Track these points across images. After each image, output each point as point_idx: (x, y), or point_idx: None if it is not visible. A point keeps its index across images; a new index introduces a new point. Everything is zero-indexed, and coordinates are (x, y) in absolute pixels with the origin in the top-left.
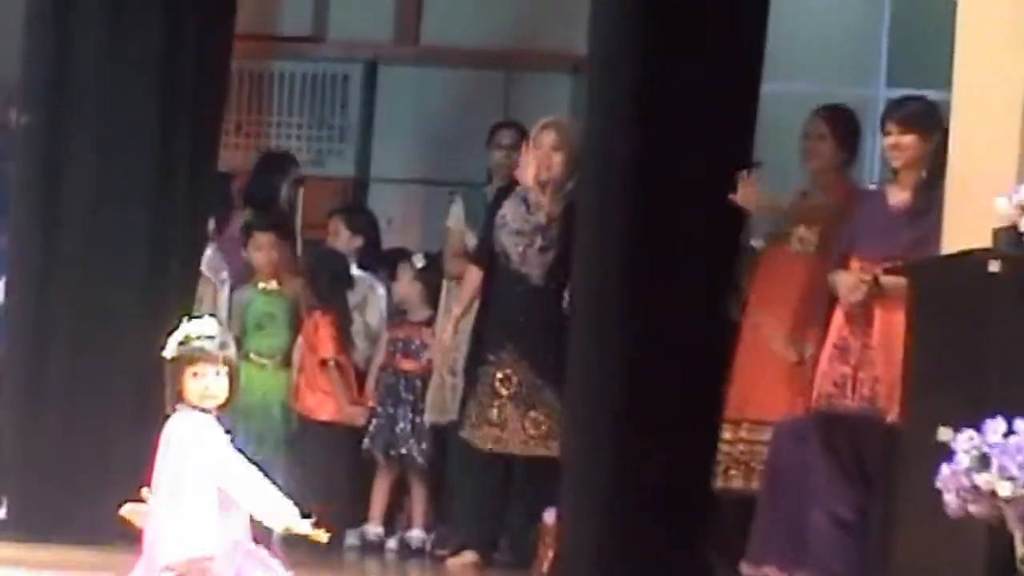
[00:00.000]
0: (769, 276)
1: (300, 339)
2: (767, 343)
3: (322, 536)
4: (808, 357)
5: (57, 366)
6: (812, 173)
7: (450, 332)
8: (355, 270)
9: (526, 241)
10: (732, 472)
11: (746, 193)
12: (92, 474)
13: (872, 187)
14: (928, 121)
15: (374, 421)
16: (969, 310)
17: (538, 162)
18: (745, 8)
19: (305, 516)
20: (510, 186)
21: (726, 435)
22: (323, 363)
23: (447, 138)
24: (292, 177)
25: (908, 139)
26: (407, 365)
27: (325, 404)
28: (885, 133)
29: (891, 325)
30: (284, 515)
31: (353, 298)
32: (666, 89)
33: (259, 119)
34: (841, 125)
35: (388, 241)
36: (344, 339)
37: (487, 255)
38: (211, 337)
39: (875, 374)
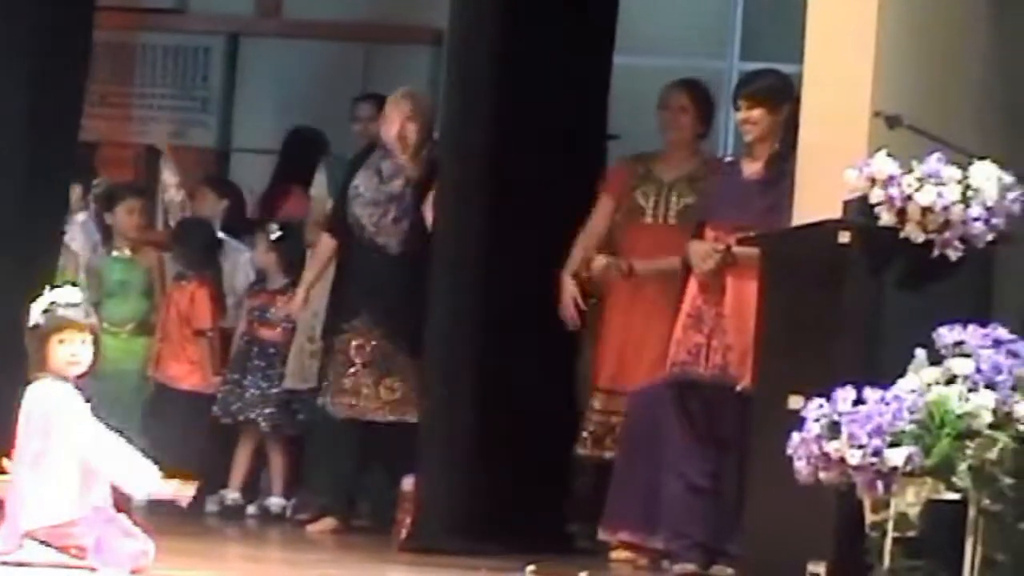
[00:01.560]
0: (630, 250)
1: (164, 307)
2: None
3: (188, 490)
4: None
5: None
6: (669, 144)
7: (300, 298)
8: (222, 235)
9: (380, 211)
10: (607, 441)
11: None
12: None
13: (729, 159)
14: (776, 95)
15: (223, 388)
16: (819, 280)
17: (394, 131)
18: None
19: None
20: (364, 155)
21: (597, 405)
22: (198, 333)
23: (308, 110)
24: (328, 154)
25: (757, 113)
26: (264, 332)
27: (191, 374)
28: (736, 108)
29: (744, 294)
30: (147, 480)
31: (226, 264)
32: (523, 62)
33: (123, 90)
34: (702, 98)
35: (249, 212)
36: (219, 309)
37: (341, 224)
38: (76, 305)
39: (727, 342)
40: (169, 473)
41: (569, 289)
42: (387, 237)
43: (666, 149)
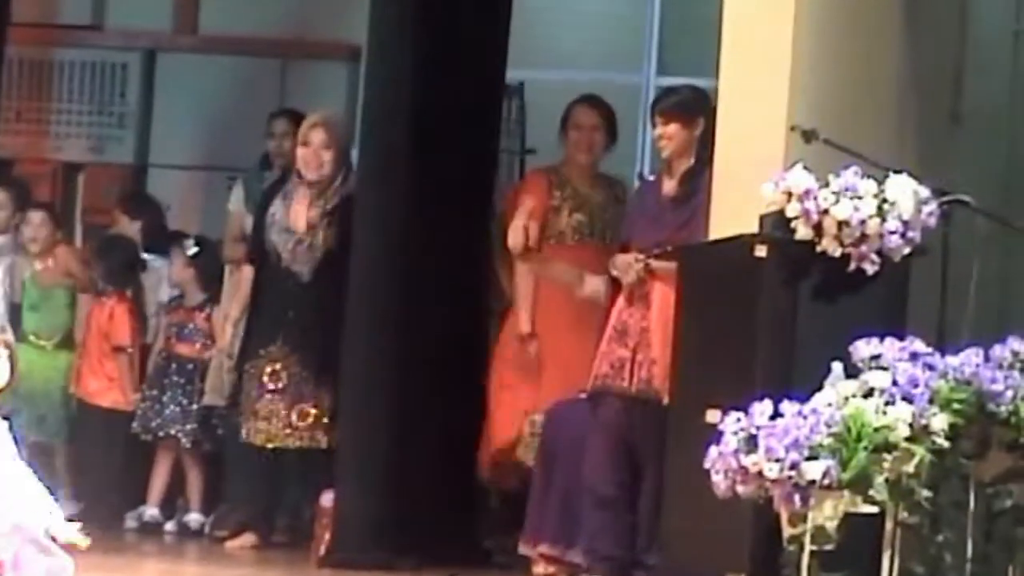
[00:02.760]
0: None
1: (85, 322)
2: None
3: (82, 541)
4: None
5: None
6: (583, 164)
7: (228, 334)
8: (145, 254)
9: (294, 238)
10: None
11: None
12: None
13: (650, 177)
14: (691, 109)
15: (141, 404)
16: (736, 294)
17: (308, 160)
18: None
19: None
20: (280, 181)
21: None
22: (117, 350)
23: (225, 125)
24: (245, 170)
25: (672, 128)
26: (182, 349)
27: (109, 391)
28: (653, 124)
29: (669, 308)
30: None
31: (150, 281)
32: (434, 79)
33: (39, 106)
34: (610, 115)
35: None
36: (139, 326)
37: (259, 252)
38: None
39: (652, 356)
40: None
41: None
42: (300, 265)
43: (577, 166)
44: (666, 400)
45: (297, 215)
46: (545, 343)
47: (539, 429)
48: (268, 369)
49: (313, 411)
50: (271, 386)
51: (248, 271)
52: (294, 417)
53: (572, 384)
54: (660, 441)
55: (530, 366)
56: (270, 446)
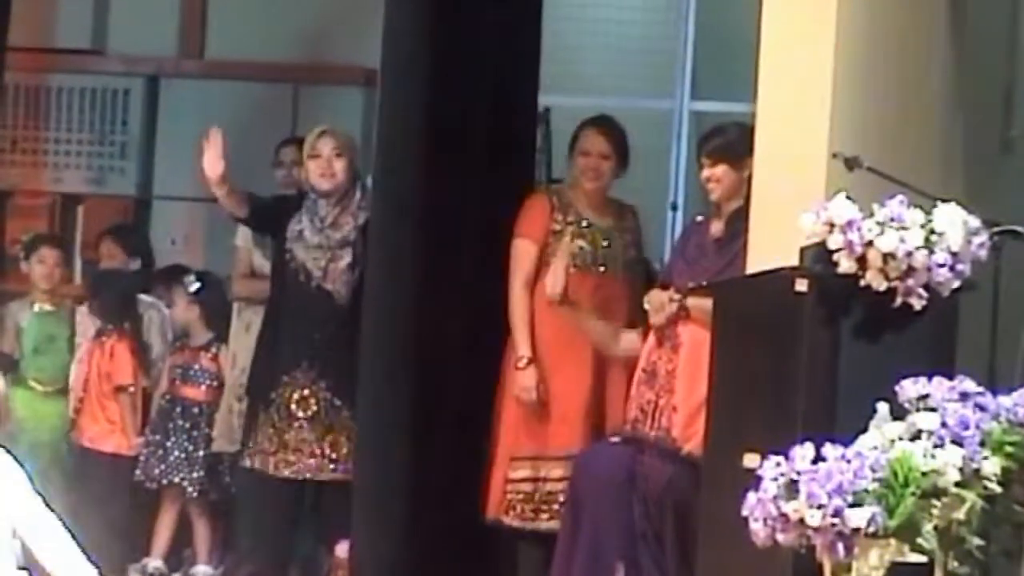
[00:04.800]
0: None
1: (82, 366)
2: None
3: None
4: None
5: None
6: (591, 192)
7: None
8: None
9: (328, 256)
10: (543, 512)
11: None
12: None
13: (699, 218)
14: (738, 150)
15: (144, 450)
16: (775, 331)
17: (320, 171)
18: (517, 20)
19: None
20: (297, 199)
21: (524, 473)
22: (119, 390)
23: (234, 154)
24: None
25: (719, 171)
26: (188, 392)
27: (111, 435)
28: (700, 166)
29: (698, 352)
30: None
31: (147, 323)
32: (453, 105)
33: (36, 135)
34: (621, 142)
35: (172, 262)
36: (141, 364)
37: (280, 270)
38: None
39: (673, 403)
40: None
41: (532, 375)
42: (336, 284)
43: (584, 193)
44: (685, 449)
45: (328, 231)
46: (543, 376)
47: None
48: (295, 396)
49: (346, 442)
50: (299, 414)
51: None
52: (325, 448)
53: (569, 427)
54: (677, 490)
55: (529, 396)
56: (299, 478)
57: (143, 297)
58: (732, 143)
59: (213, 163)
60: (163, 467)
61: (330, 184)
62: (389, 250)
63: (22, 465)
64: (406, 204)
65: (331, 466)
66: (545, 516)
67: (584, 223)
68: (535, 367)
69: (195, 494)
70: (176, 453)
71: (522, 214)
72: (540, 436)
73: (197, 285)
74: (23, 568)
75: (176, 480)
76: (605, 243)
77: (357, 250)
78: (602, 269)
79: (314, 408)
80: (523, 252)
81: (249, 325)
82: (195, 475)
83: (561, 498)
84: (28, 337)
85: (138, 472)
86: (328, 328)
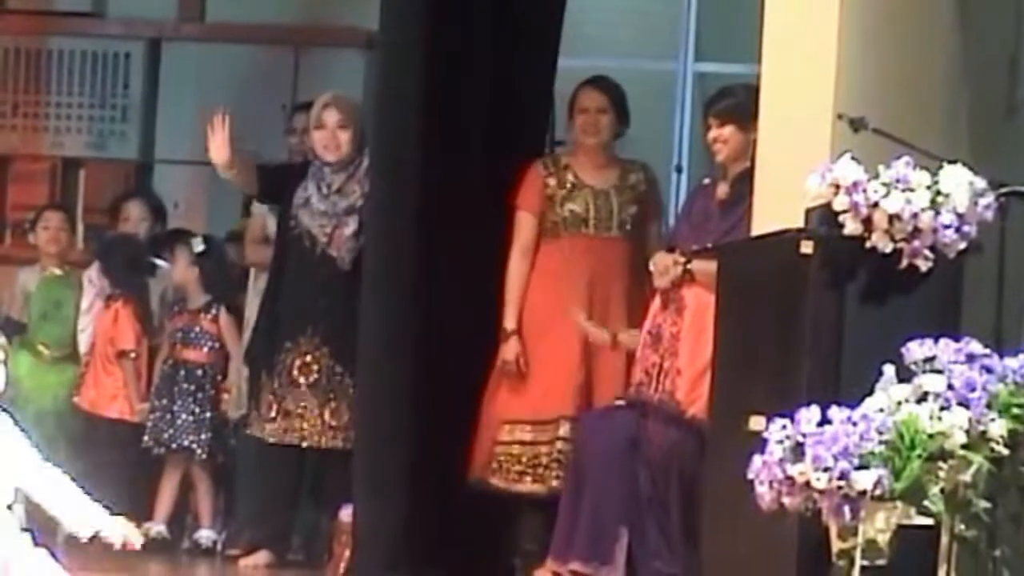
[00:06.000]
0: (569, 262)
1: (86, 330)
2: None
3: (136, 536)
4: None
5: None
6: (589, 150)
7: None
8: (151, 257)
9: (334, 223)
10: (527, 475)
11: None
12: None
13: (706, 181)
14: (746, 111)
15: (151, 416)
16: (780, 293)
17: (324, 142)
18: None
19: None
20: (302, 166)
21: (512, 436)
22: (121, 355)
23: (235, 118)
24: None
25: (727, 131)
26: (190, 355)
27: (114, 401)
28: (706, 127)
29: (703, 315)
30: (94, 520)
31: (160, 284)
32: (456, 68)
33: (37, 99)
34: (618, 97)
35: (173, 226)
36: (144, 330)
37: (285, 235)
38: None
39: (678, 365)
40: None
41: (513, 348)
42: (341, 251)
43: (584, 152)
44: (689, 412)
45: (335, 199)
46: (531, 342)
47: (515, 442)
48: (297, 362)
49: (347, 410)
50: (301, 380)
51: None
52: (327, 415)
53: (557, 392)
54: (681, 454)
55: (510, 368)
56: (304, 445)
57: (160, 262)
58: (740, 104)
59: (219, 149)
60: (171, 431)
61: (334, 156)
62: (388, 218)
63: (24, 429)
64: (404, 171)
65: (331, 434)
66: (529, 480)
67: (573, 185)
68: (517, 339)
69: (204, 456)
70: (184, 417)
71: (519, 186)
72: (530, 400)
73: (203, 247)
74: (26, 529)
75: (185, 444)
76: (598, 203)
77: (363, 217)
78: (592, 230)
79: (316, 375)
80: (519, 222)
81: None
82: (203, 437)
83: (545, 462)
84: (36, 302)
85: (146, 438)
86: (331, 295)
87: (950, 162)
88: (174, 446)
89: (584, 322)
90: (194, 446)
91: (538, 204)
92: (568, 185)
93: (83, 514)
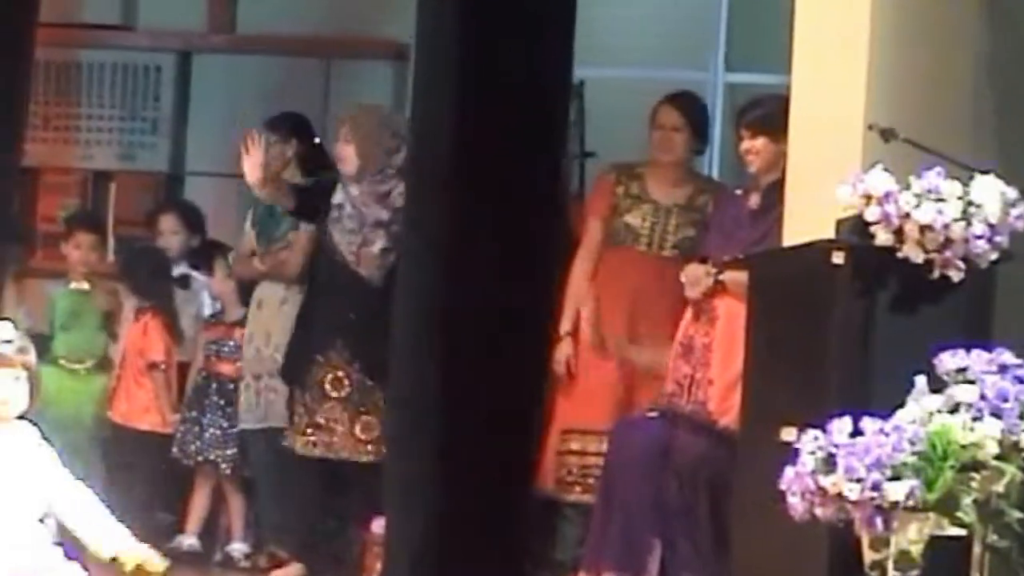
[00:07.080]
0: (616, 278)
1: (120, 343)
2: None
3: (158, 566)
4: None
5: None
6: (665, 166)
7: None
8: (186, 269)
9: (360, 240)
10: (577, 485)
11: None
12: None
13: (738, 191)
14: (777, 122)
15: (180, 427)
16: (812, 303)
17: (336, 156)
18: None
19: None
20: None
21: (573, 446)
22: (151, 367)
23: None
24: None
25: (759, 143)
26: (222, 368)
27: (146, 412)
28: (739, 137)
29: (734, 326)
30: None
31: (189, 297)
32: (488, 79)
33: (67, 112)
34: (696, 115)
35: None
36: (173, 341)
37: (318, 248)
38: (8, 341)
39: (709, 376)
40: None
41: (566, 350)
42: (368, 269)
43: (658, 167)
44: (721, 423)
45: (363, 212)
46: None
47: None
48: (329, 376)
49: (378, 424)
50: (333, 394)
51: None
52: (358, 429)
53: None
54: (712, 464)
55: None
56: (334, 457)
57: (195, 274)
58: (772, 115)
59: (253, 170)
60: (199, 444)
61: (346, 169)
62: (422, 229)
63: (49, 441)
64: (438, 181)
65: (362, 447)
66: (579, 489)
67: (637, 197)
68: (571, 342)
69: (228, 471)
70: (212, 430)
71: (591, 198)
72: (577, 409)
73: None
74: (58, 544)
75: (212, 457)
76: (656, 219)
77: (392, 232)
78: (645, 246)
79: (348, 389)
80: (587, 229)
81: (261, 302)
82: (229, 452)
83: (595, 472)
84: (56, 314)
85: (175, 449)
86: (363, 308)
87: (981, 172)
88: (200, 459)
89: (627, 349)
90: (219, 460)
91: (605, 211)
92: (633, 196)
93: (106, 536)
